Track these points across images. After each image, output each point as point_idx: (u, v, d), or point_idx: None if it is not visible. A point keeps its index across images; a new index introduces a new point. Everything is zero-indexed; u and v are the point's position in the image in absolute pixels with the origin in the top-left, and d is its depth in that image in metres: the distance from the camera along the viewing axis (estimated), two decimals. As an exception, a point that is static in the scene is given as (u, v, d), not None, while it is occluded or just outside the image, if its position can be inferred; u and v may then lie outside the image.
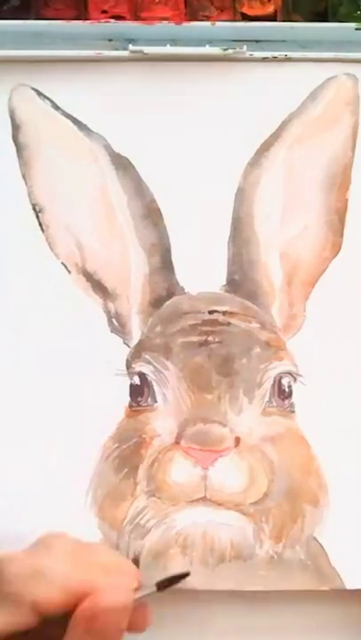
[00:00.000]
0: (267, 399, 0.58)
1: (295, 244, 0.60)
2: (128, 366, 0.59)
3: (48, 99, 0.61)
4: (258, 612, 0.59)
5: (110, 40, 0.61)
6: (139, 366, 0.59)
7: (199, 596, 0.58)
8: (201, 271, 0.60)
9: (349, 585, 0.58)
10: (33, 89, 0.61)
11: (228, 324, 0.59)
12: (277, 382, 0.59)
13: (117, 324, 0.60)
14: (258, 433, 0.58)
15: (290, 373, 0.59)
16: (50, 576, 0.42)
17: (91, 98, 0.61)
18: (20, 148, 0.61)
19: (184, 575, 0.51)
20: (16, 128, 0.61)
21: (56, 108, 0.61)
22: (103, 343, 0.60)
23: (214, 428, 0.57)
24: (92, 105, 0.61)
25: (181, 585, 0.57)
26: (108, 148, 0.61)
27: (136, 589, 0.44)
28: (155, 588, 0.46)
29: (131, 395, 0.59)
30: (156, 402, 0.58)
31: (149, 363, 0.59)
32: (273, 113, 0.60)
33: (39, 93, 0.61)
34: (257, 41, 0.61)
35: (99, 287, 0.60)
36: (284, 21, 0.64)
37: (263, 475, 0.57)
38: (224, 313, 0.59)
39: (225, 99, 0.61)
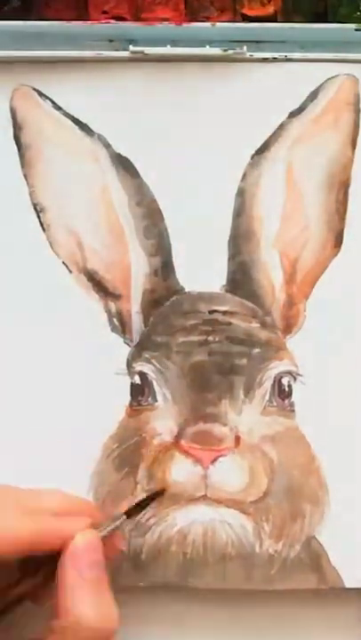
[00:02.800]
0: (267, 399, 0.58)
1: (295, 244, 0.60)
2: (128, 366, 0.59)
3: (49, 99, 0.61)
4: (257, 610, 0.59)
5: (111, 41, 0.61)
6: (139, 366, 0.59)
7: (198, 595, 0.58)
8: (201, 271, 0.60)
9: (349, 584, 0.58)
10: (34, 89, 0.61)
11: (229, 323, 0.59)
12: (277, 382, 0.59)
13: (118, 324, 0.60)
14: (258, 432, 0.58)
15: (290, 373, 0.59)
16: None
17: (92, 98, 0.61)
18: (21, 148, 0.61)
19: (152, 497, 0.54)
20: (18, 128, 0.61)
21: (57, 108, 0.61)
22: (103, 342, 0.60)
23: (215, 427, 0.57)
24: (93, 105, 0.61)
25: (181, 584, 0.57)
26: (108, 148, 0.61)
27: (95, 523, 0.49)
28: (124, 517, 0.51)
29: (131, 394, 0.59)
30: (156, 401, 0.58)
31: (150, 362, 0.59)
32: (273, 113, 0.60)
33: (40, 93, 0.61)
34: (257, 42, 0.60)
35: (99, 287, 0.61)
36: (284, 22, 0.64)
37: (263, 474, 0.57)
38: (224, 313, 0.59)
39: (225, 99, 0.61)
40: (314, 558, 0.58)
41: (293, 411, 0.59)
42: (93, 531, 0.48)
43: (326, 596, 0.59)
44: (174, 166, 0.61)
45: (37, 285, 0.60)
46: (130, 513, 0.52)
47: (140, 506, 0.54)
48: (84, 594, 0.46)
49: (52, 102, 0.61)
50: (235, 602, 0.59)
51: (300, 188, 0.60)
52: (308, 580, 0.58)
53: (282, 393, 0.59)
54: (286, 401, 0.59)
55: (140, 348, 0.60)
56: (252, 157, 0.60)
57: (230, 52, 0.60)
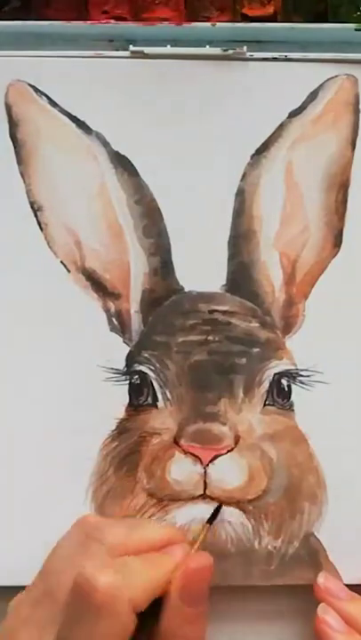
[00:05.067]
0: (266, 398, 0.59)
1: (295, 244, 0.60)
2: (128, 365, 0.60)
3: (45, 95, 0.60)
4: (257, 607, 0.60)
5: (111, 41, 0.61)
6: (138, 365, 0.59)
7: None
8: (201, 271, 0.60)
9: (348, 580, 0.58)
10: (30, 85, 0.60)
11: (228, 323, 0.59)
12: (277, 381, 0.59)
13: (117, 323, 0.60)
14: (257, 431, 0.58)
15: (289, 372, 0.59)
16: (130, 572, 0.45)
17: (91, 97, 0.60)
18: (17, 145, 0.61)
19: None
20: (14, 125, 0.61)
21: (54, 104, 0.60)
22: (103, 342, 0.60)
23: (214, 426, 0.57)
24: (93, 104, 0.60)
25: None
26: (107, 146, 0.60)
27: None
28: (208, 525, 0.54)
29: (130, 394, 0.59)
30: (156, 401, 0.59)
31: (149, 362, 0.59)
32: (273, 113, 0.60)
33: (36, 90, 0.60)
34: (257, 41, 0.60)
35: (98, 286, 0.60)
36: (284, 22, 0.64)
37: (263, 472, 0.58)
38: (224, 312, 0.59)
39: (225, 99, 0.60)
40: (312, 555, 0.59)
41: (293, 410, 0.59)
42: (205, 553, 0.50)
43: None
44: (174, 165, 0.60)
45: (36, 285, 0.60)
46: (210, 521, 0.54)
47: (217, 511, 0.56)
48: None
49: (49, 99, 0.60)
50: (234, 598, 0.59)
51: (299, 188, 0.60)
52: (307, 577, 0.58)
53: (281, 392, 0.59)
54: (286, 400, 0.59)
55: (140, 348, 0.60)
56: (252, 157, 0.60)
57: (230, 51, 0.60)
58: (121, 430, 0.59)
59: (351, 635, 0.53)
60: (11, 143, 0.61)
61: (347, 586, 0.58)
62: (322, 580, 0.57)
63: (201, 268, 0.60)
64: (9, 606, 0.49)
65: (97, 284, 0.60)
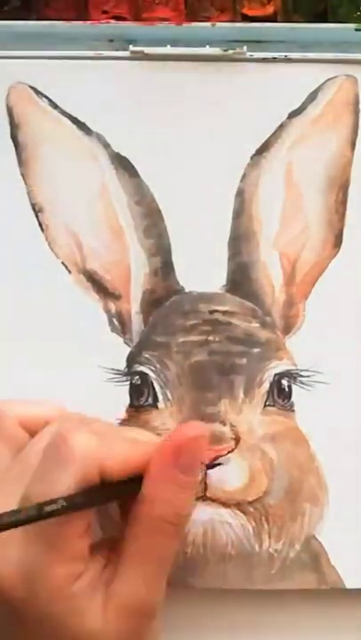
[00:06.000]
0: (267, 398, 0.58)
1: (295, 244, 0.60)
2: (128, 366, 0.59)
3: (46, 97, 0.61)
4: (257, 610, 0.59)
5: (111, 41, 0.61)
6: (139, 366, 0.59)
7: (198, 595, 0.58)
8: (201, 271, 0.60)
9: (349, 584, 0.58)
10: (31, 87, 0.61)
11: (229, 323, 0.59)
12: (277, 381, 0.59)
13: (118, 324, 0.60)
14: (258, 432, 0.58)
15: (290, 373, 0.59)
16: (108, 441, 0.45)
17: (91, 98, 0.61)
18: (18, 147, 0.61)
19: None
20: (15, 127, 0.61)
21: (54, 106, 0.60)
22: (103, 343, 0.60)
23: (214, 427, 0.57)
24: (93, 105, 0.60)
25: (181, 583, 0.57)
26: (107, 147, 0.61)
27: None
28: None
29: (131, 394, 0.59)
30: (156, 401, 0.58)
31: (150, 362, 0.59)
32: (273, 113, 0.60)
33: (37, 92, 0.61)
34: (257, 41, 0.60)
35: (99, 287, 0.60)
36: (284, 22, 0.64)
37: (263, 473, 0.57)
38: (224, 313, 0.59)
39: (225, 99, 0.61)
40: (314, 558, 0.58)
41: (293, 410, 0.59)
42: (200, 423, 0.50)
43: (326, 596, 0.59)
44: (174, 166, 0.60)
45: (36, 286, 0.60)
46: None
47: None
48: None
49: (50, 100, 0.61)
50: (235, 601, 0.59)
51: (299, 189, 0.60)
52: (309, 580, 0.58)
53: (281, 393, 0.59)
54: (286, 400, 0.59)
55: (140, 349, 0.60)
56: (252, 158, 0.60)
57: (230, 52, 0.60)
58: (122, 431, 0.59)
59: None
60: (12, 145, 0.61)
61: (349, 591, 0.58)
62: None
63: (201, 269, 0.60)
64: None
65: (98, 284, 0.60)
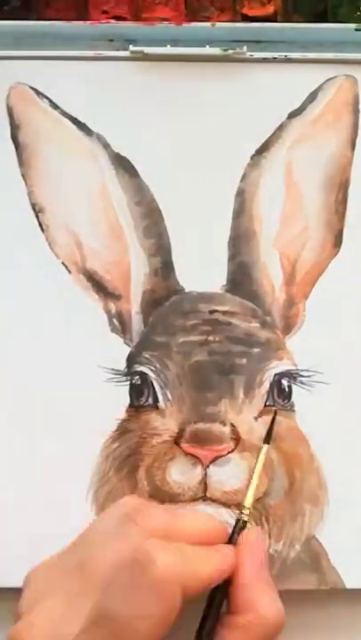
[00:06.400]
0: (267, 398, 0.58)
1: (295, 244, 0.60)
2: (128, 366, 0.59)
3: (46, 97, 0.61)
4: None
5: (111, 40, 0.61)
6: (139, 366, 0.59)
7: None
8: (201, 271, 0.60)
9: (350, 584, 0.58)
10: (31, 87, 0.61)
11: (229, 323, 0.59)
12: (277, 381, 0.59)
13: (118, 324, 0.60)
14: (258, 432, 0.58)
15: (290, 373, 0.59)
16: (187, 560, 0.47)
17: (91, 98, 0.61)
18: (19, 147, 0.61)
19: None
20: (15, 127, 0.61)
21: (55, 107, 0.61)
22: (103, 343, 0.60)
23: (214, 427, 0.57)
24: (93, 105, 0.61)
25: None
26: (107, 148, 0.61)
27: None
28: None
29: (131, 394, 0.59)
30: (156, 401, 0.58)
31: (150, 362, 0.59)
32: (273, 113, 0.60)
33: (37, 92, 0.61)
34: (257, 41, 0.61)
35: (99, 287, 0.60)
36: (284, 22, 0.64)
37: (263, 474, 0.57)
38: (224, 313, 0.59)
39: (225, 99, 0.61)
40: (314, 558, 0.58)
41: (293, 410, 0.59)
42: (258, 528, 0.54)
43: (326, 596, 0.59)
44: (174, 166, 0.61)
45: (37, 286, 0.60)
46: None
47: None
48: (265, 589, 0.49)
49: (50, 101, 0.61)
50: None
51: (299, 189, 0.60)
52: (309, 581, 0.58)
53: (281, 393, 0.59)
54: (286, 401, 0.59)
55: (140, 349, 0.59)
56: (252, 158, 0.60)
57: (230, 51, 0.60)
58: (122, 431, 0.59)
59: None
60: (12, 145, 0.61)
61: (349, 591, 0.58)
62: None
63: (201, 269, 0.60)
64: (25, 578, 0.49)
65: (98, 284, 0.60)
